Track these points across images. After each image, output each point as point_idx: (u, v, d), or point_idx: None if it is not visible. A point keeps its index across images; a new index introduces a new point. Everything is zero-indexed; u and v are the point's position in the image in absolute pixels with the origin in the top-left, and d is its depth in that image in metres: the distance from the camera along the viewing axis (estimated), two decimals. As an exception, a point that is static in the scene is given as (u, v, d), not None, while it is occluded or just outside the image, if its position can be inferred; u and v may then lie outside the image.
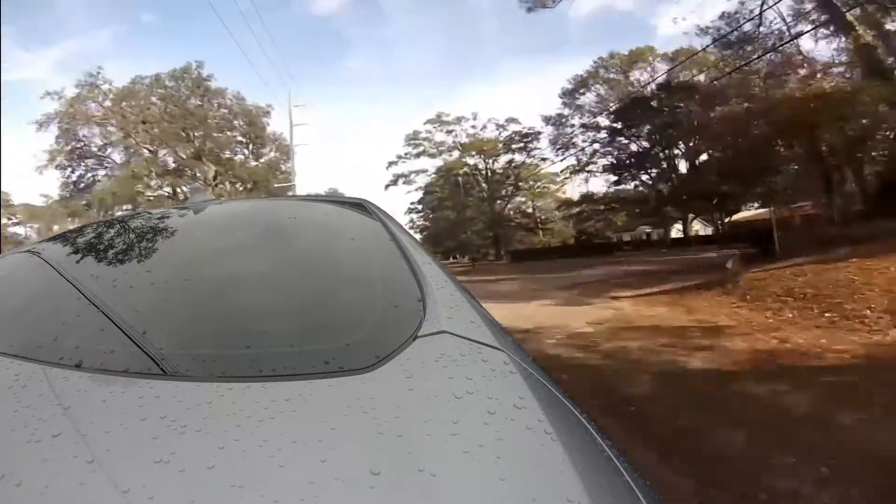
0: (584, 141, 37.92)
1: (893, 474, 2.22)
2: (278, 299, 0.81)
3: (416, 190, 45.09)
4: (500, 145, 41.66)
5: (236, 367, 0.62)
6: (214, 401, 0.52)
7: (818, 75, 20.88)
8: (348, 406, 0.49)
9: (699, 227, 41.02)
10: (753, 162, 25.73)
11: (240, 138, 38.99)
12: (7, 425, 0.48)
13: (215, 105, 37.89)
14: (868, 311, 5.43)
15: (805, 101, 17.78)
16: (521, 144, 41.04)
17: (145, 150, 34.85)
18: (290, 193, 29.16)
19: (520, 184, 41.98)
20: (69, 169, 34.76)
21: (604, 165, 37.15)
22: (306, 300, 0.83)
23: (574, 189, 42.55)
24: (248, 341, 0.68)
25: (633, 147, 35.29)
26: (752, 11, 23.26)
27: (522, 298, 10.47)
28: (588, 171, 39.46)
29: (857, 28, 17.73)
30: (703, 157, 31.63)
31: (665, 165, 33.88)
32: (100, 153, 35.52)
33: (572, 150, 38.20)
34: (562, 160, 39.36)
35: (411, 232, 1.36)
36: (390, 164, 43.38)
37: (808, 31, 20.27)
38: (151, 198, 35.49)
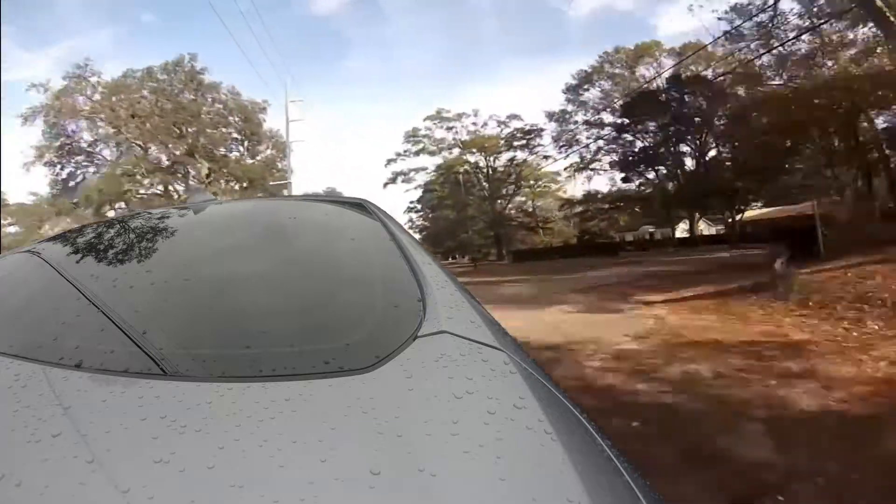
0: (588, 137, 36.85)
1: None
2: (278, 299, 0.81)
3: (416, 188, 43.96)
4: (502, 142, 40.52)
5: (236, 367, 0.61)
6: (214, 401, 0.51)
7: (860, 57, 19.35)
8: (348, 406, 0.49)
9: (702, 227, 39.89)
10: (776, 155, 24.76)
11: (235, 135, 37.78)
12: (7, 425, 0.48)
13: (209, 100, 36.67)
14: None
15: (848, 82, 16.29)
16: (524, 141, 39.92)
17: (136, 146, 33.55)
18: (286, 191, 28.16)
19: (521, 182, 40.85)
20: (58, 166, 33.50)
21: (610, 162, 36.05)
22: (306, 300, 0.82)
23: (574, 189, 41.63)
24: (248, 341, 0.68)
25: (641, 143, 34.22)
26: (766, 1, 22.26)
27: (537, 303, 9.32)
28: (592, 170, 38.41)
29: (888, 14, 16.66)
30: (714, 152, 30.69)
31: (675, 161, 32.74)
32: (90, 149, 34.20)
33: (576, 147, 37.12)
34: (565, 157, 38.30)
35: (410, 232, 1.21)
36: (389, 161, 42.25)
37: (831, 19, 19.27)
38: (144, 196, 34.32)
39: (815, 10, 19.87)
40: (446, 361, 0.58)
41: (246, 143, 38.20)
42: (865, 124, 18.87)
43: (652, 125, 32.50)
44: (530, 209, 44.02)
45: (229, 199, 2.47)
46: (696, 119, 30.10)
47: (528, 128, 39.67)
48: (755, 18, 22.60)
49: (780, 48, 21.23)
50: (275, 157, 38.15)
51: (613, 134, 35.11)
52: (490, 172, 41.81)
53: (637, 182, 35.90)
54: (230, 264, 0.94)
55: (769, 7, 21.44)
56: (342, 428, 0.46)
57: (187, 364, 0.62)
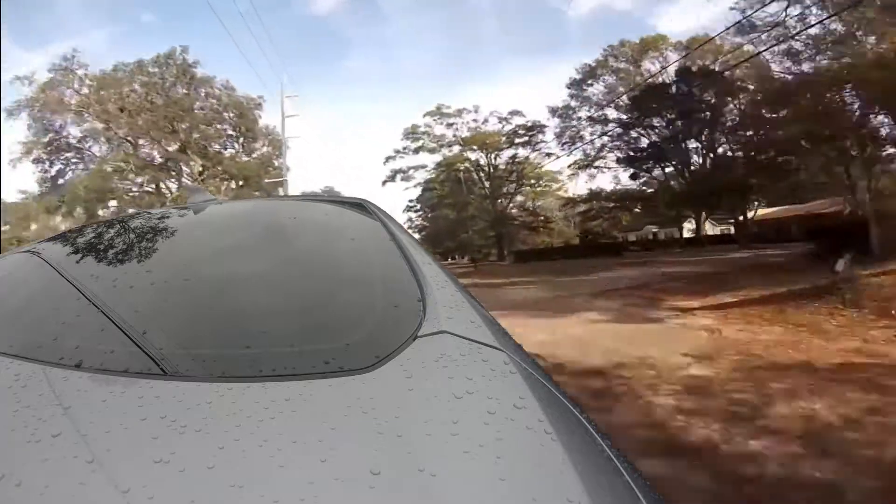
0: (592, 134, 35.77)
1: None
2: (278, 299, 0.81)
3: (415, 186, 42.72)
4: (503, 139, 39.41)
5: (236, 367, 0.61)
6: (214, 401, 0.51)
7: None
8: (348, 406, 0.49)
9: (707, 228, 38.82)
10: (792, 150, 23.70)
11: (230, 132, 36.59)
12: (7, 425, 0.48)
13: (202, 94, 35.48)
14: None
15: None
16: (526, 138, 38.79)
17: (126, 142, 32.29)
18: (282, 189, 27.14)
19: (523, 181, 39.75)
20: (47, 162, 32.21)
21: (618, 158, 34.89)
22: (306, 300, 0.82)
23: (576, 188, 40.58)
24: (248, 341, 0.67)
25: (647, 139, 33.11)
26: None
27: (556, 310, 8.20)
28: (596, 167, 37.30)
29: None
30: (724, 148, 29.56)
31: (684, 158, 31.62)
32: (79, 146, 32.89)
33: (579, 144, 36.01)
34: (568, 154, 37.14)
35: (410, 232, 1.20)
36: (388, 158, 41.06)
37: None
38: (136, 194, 33.13)
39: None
40: (446, 361, 0.57)
41: (241, 140, 37.03)
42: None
43: (660, 120, 31.40)
44: (532, 208, 42.90)
45: (229, 200, 2.38)
46: (707, 114, 28.99)
47: (530, 124, 38.57)
48: (768, 8, 21.49)
49: (816, 27, 19.81)
50: (271, 154, 36.92)
51: (619, 130, 33.97)
52: (491, 170, 40.67)
53: (643, 179, 34.81)
54: (230, 264, 0.94)
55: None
56: (342, 428, 0.46)
57: (187, 364, 0.62)
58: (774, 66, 25.49)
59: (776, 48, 23.01)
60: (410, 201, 45.21)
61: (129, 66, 33.34)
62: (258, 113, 36.39)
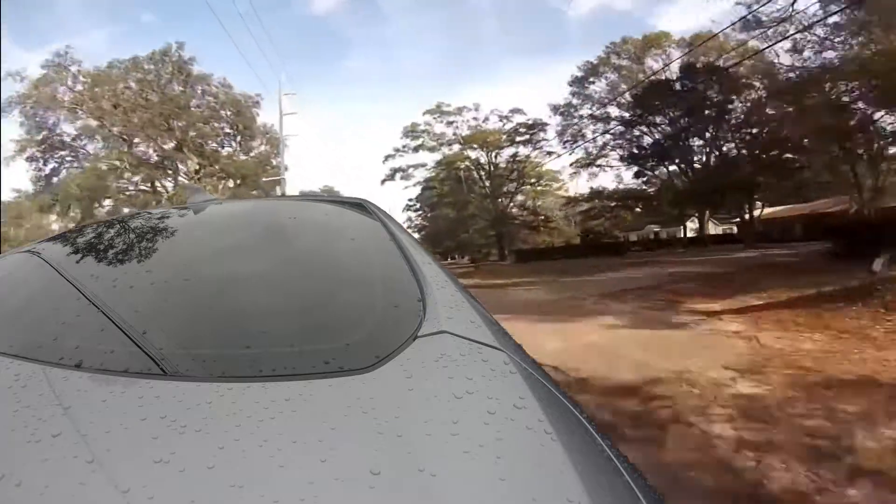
0: (594, 132, 35.24)
1: None
2: (278, 299, 0.80)
3: (414, 185, 42.14)
4: (504, 137, 38.86)
5: (236, 367, 0.61)
6: (214, 401, 0.51)
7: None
8: (348, 406, 0.49)
9: (709, 227, 38.30)
10: (798, 149, 23.22)
11: (228, 130, 35.98)
12: (7, 425, 0.47)
13: (199, 92, 34.87)
14: None
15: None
16: (527, 136, 38.24)
17: (120, 139, 31.65)
18: (279, 188, 26.60)
19: (524, 179, 39.20)
20: (41, 161, 31.54)
21: (621, 155, 34.36)
22: (306, 300, 0.82)
23: (576, 187, 40.17)
24: (248, 341, 0.67)
25: (650, 138, 32.58)
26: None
27: (567, 313, 7.67)
28: (598, 166, 36.78)
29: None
30: (729, 145, 29.06)
31: (688, 155, 31.07)
32: (73, 143, 32.22)
33: (581, 142, 35.48)
34: (570, 153, 36.62)
35: (409, 232, 1.20)
36: (387, 157, 40.49)
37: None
38: (132, 192, 32.53)
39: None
40: (446, 361, 0.57)
41: (238, 139, 36.45)
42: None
43: (664, 117, 30.87)
44: (533, 207, 42.35)
45: (229, 200, 2.30)
46: (712, 111, 28.46)
47: (531, 122, 38.02)
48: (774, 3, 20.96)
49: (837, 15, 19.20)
50: (269, 153, 36.33)
51: (622, 128, 33.44)
52: (492, 169, 40.12)
53: (647, 178, 34.29)
54: (230, 264, 0.94)
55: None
56: (342, 428, 0.46)
57: (187, 364, 0.61)
58: (781, 62, 25.10)
59: (782, 44, 22.57)
60: (410, 200, 44.73)
61: (125, 62, 32.70)
62: (256, 111, 35.87)
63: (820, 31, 20.86)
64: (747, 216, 28.93)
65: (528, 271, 21.56)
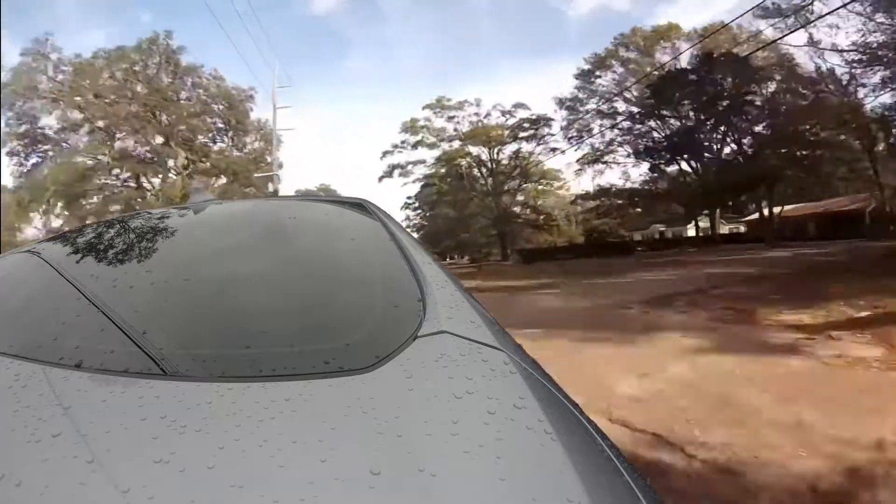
0: (601, 127, 33.73)
1: None
2: (278, 299, 0.80)
3: (414, 182, 40.46)
4: (506, 132, 37.29)
5: (236, 367, 0.60)
6: (214, 401, 0.51)
7: None
8: (348, 406, 0.49)
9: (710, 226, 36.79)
10: (821, 144, 21.91)
11: (220, 124, 34.27)
12: (7, 425, 0.47)
13: (188, 84, 33.13)
14: None
15: None
16: (532, 131, 36.67)
17: (102, 131, 29.87)
18: (272, 184, 25.03)
19: (527, 177, 37.62)
20: (22, 155, 29.73)
21: (631, 152, 32.84)
22: (306, 300, 0.81)
23: (580, 185, 38.78)
24: (248, 341, 0.67)
25: (666, 131, 31.03)
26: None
27: (616, 328, 6.06)
28: (604, 162, 35.28)
29: None
30: (749, 139, 27.53)
31: (706, 149, 29.53)
32: (56, 136, 30.39)
33: (587, 137, 33.98)
34: (576, 149, 35.14)
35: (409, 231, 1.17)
36: (385, 153, 38.84)
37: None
38: (118, 189, 30.79)
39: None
40: (446, 361, 0.57)
41: (231, 134, 34.72)
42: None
43: (679, 110, 29.35)
44: (535, 206, 40.78)
45: (229, 200, 2.17)
46: (731, 102, 26.94)
47: (535, 117, 36.46)
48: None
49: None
50: (263, 149, 34.62)
51: (630, 123, 31.92)
52: (494, 166, 38.54)
53: (658, 174, 32.77)
54: (230, 264, 0.93)
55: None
56: (342, 428, 0.46)
57: (187, 364, 0.61)
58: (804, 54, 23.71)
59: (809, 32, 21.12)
60: (409, 198, 43.04)
61: (110, 52, 30.90)
62: (250, 105, 34.21)
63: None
64: (766, 214, 27.41)
65: (536, 272, 19.94)
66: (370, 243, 1.01)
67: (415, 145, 38.54)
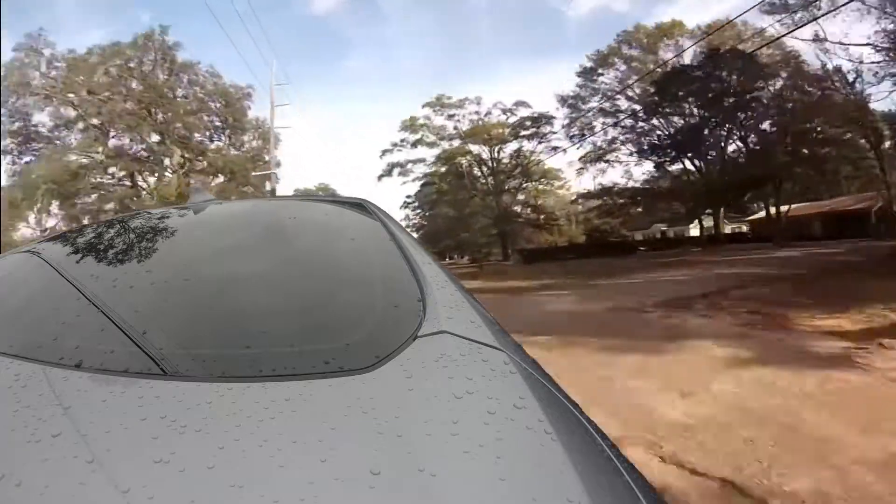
0: (604, 125, 33.23)
1: None
2: (278, 299, 0.80)
3: (413, 181, 39.92)
4: (507, 130, 36.76)
5: (236, 367, 0.60)
6: (214, 401, 0.51)
7: None
8: (348, 406, 0.49)
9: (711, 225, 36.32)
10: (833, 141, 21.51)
11: (217, 122, 33.67)
12: (7, 425, 0.47)
13: (185, 80, 32.54)
14: None
15: None
16: (533, 130, 36.16)
17: (96, 129, 29.27)
18: (269, 183, 24.55)
19: (528, 176, 37.10)
20: (15, 153, 29.12)
21: (634, 150, 32.34)
22: (306, 300, 0.81)
23: (580, 184, 38.35)
24: (248, 341, 0.67)
25: (670, 129, 30.52)
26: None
27: (640, 336, 5.57)
28: (606, 161, 34.77)
29: None
30: (756, 137, 27.02)
31: (711, 147, 29.04)
32: (51, 135, 29.78)
33: (589, 136, 33.47)
34: (577, 147, 34.63)
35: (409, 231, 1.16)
36: (384, 152, 38.29)
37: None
38: (112, 187, 30.23)
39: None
40: (446, 361, 0.57)
41: (228, 132, 34.12)
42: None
43: (685, 107, 28.85)
44: (536, 205, 40.26)
45: (229, 200, 2.25)
46: (739, 99, 26.46)
47: (536, 115, 35.94)
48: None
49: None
50: (261, 148, 34.05)
51: (636, 119, 31.41)
52: (494, 165, 38.02)
53: (662, 172, 32.27)
54: (230, 264, 0.92)
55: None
56: (342, 428, 0.46)
57: (187, 364, 0.61)
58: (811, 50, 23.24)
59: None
60: (408, 197, 42.50)
61: (104, 48, 30.29)
62: (247, 104, 33.64)
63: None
64: (773, 213, 26.95)
65: (539, 273, 19.45)
66: (370, 243, 1.01)
67: (414, 144, 38.02)
